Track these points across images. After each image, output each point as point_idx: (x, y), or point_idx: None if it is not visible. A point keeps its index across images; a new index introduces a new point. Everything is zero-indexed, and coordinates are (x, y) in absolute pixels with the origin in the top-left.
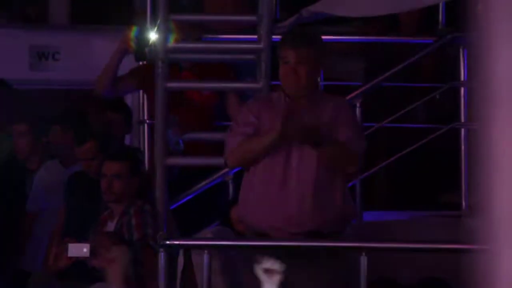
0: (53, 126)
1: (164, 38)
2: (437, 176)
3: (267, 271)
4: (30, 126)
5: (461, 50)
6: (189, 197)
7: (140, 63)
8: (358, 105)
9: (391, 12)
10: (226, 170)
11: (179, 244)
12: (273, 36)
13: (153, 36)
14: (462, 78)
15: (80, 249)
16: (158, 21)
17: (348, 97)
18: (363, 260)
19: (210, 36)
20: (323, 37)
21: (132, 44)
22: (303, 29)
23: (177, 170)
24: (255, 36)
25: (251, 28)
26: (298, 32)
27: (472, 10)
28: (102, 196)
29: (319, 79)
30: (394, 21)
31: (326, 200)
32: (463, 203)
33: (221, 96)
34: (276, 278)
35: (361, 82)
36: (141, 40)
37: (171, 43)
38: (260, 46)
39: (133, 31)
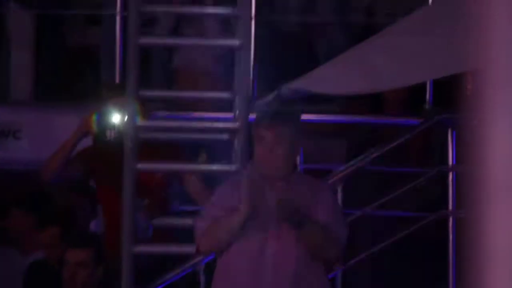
0: (12, 210)
1: (134, 116)
2: (424, 266)
3: None
4: None
5: (449, 132)
6: None
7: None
8: (339, 189)
9: (374, 91)
10: (197, 259)
11: None
12: (250, 115)
13: (116, 118)
14: (450, 162)
15: None
16: (124, 99)
17: (329, 181)
18: None
19: (182, 113)
20: (304, 116)
21: (94, 127)
22: (280, 107)
23: (146, 258)
24: (231, 115)
25: (226, 105)
26: (275, 110)
27: (462, 90)
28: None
29: (297, 160)
30: (378, 100)
31: None
32: None
33: (170, 178)
34: None
35: (343, 164)
36: (103, 122)
37: (139, 121)
38: (236, 125)
39: (94, 114)
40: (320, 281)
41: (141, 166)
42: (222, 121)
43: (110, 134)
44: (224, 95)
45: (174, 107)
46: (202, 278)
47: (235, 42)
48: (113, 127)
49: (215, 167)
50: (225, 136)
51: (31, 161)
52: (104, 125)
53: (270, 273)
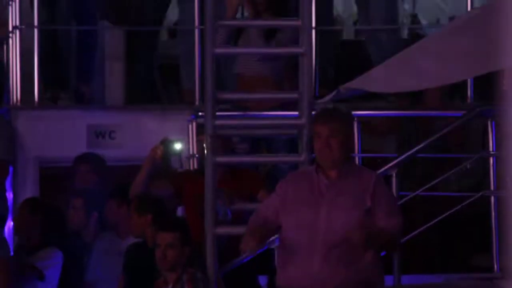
0: (108, 201)
1: (212, 115)
2: (469, 240)
3: None
4: (85, 201)
5: (489, 122)
6: (238, 264)
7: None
8: (394, 175)
9: (421, 88)
10: (273, 238)
11: None
12: (313, 112)
13: (179, 146)
14: (490, 148)
15: None
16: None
17: (385, 167)
18: None
19: (252, 112)
20: (360, 112)
21: (160, 153)
22: (334, 105)
23: (226, 238)
24: (296, 113)
25: (287, 105)
26: (329, 108)
27: (498, 86)
28: (157, 265)
29: (352, 151)
30: (419, 96)
31: (352, 263)
32: (495, 266)
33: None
34: None
35: (395, 154)
36: (168, 149)
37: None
38: (302, 121)
39: (163, 143)
40: (369, 256)
41: (219, 159)
42: (288, 118)
43: (174, 162)
44: (292, 95)
45: (235, 108)
46: (276, 254)
47: (299, 49)
48: (178, 155)
49: (284, 158)
50: (292, 131)
51: (124, 158)
52: (169, 153)
53: (319, 245)
